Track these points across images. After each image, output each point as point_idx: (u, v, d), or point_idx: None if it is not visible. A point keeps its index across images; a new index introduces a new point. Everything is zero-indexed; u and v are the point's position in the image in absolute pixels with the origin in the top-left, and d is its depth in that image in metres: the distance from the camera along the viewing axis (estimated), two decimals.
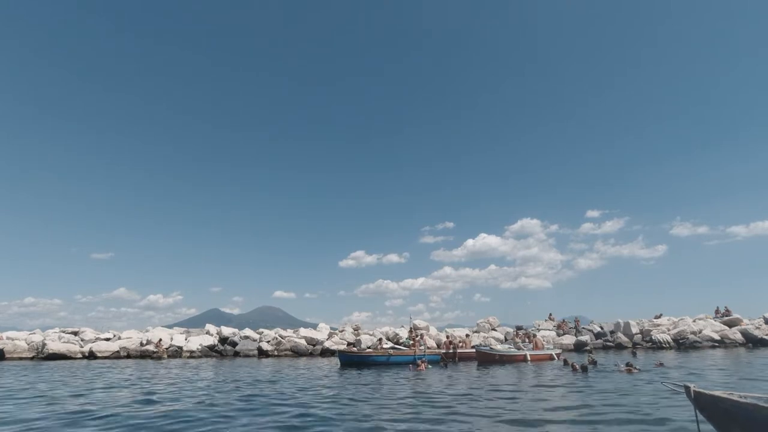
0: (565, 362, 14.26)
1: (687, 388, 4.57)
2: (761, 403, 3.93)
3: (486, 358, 17.01)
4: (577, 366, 12.39)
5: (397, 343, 22.74)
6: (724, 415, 4.24)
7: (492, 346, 19.21)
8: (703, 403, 4.45)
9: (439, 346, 21.87)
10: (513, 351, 17.67)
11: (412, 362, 16.03)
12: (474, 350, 19.23)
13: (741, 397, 4.24)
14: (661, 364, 13.25)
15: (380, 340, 20.46)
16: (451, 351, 19.27)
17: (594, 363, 13.56)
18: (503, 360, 16.88)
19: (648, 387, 8.94)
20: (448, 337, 22.87)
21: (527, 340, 20.07)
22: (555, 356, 18.02)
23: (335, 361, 19.49)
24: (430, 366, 15.62)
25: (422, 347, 18.49)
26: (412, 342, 20.22)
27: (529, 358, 17.13)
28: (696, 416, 4.55)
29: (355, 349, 21.02)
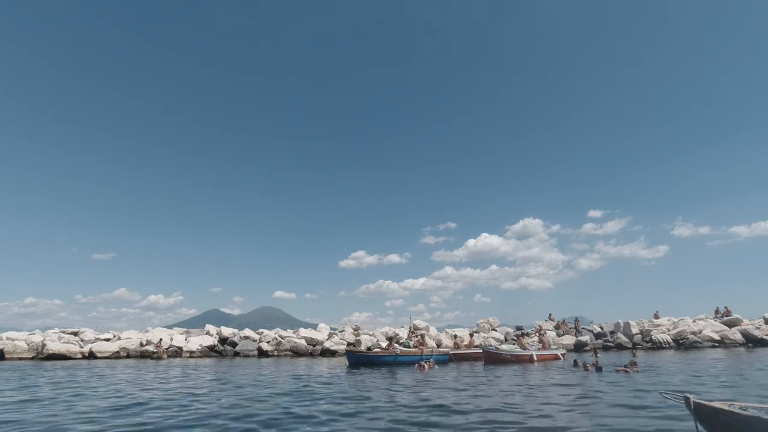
0: (575, 363, 14.26)
1: (687, 399, 4.40)
2: (763, 415, 3.85)
3: (493, 358, 17.02)
4: (589, 366, 12.40)
5: (396, 343, 22.75)
6: (725, 427, 4.10)
7: (497, 346, 19.23)
8: (703, 415, 4.30)
9: (438, 346, 21.89)
10: (520, 351, 17.71)
11: (417, 363, 16.01)
12: (476, 350, 19.29)
13: (742, 408, 4.11)
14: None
15: (389, 341, 20.53)
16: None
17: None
18: (511, 360, 16.92)
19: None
20: (454, 337, 22.98)
21: (539, 340, 19.95)
22: (560, 356, 18.10)
23: (335, 361, 19.47)
24: (439, 367, 15.63)
25: (429, 348, 18.53)
26: (417, 340, 20.24)
27: (535, 358, 17.17)
28: (696, 428, 4.38)
29: (363, 349, 21.05)
